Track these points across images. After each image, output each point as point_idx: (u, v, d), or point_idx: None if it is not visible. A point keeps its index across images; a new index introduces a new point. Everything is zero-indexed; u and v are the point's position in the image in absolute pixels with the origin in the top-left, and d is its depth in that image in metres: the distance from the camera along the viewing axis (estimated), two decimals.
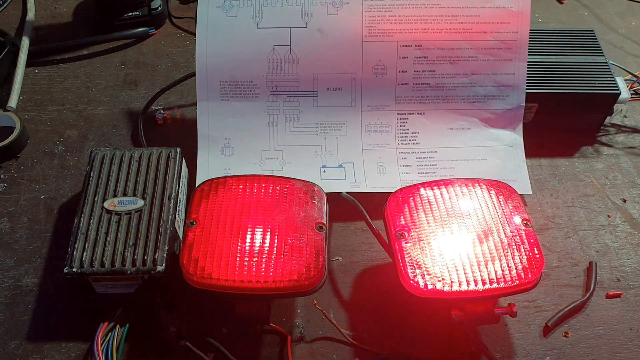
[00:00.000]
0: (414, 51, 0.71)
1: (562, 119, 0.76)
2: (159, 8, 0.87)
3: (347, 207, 0.65)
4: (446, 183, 0.61)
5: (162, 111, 0.78)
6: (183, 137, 0.73)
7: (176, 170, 0.65)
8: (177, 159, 0.66)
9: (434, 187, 0.61)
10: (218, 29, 0.70)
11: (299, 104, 0.72)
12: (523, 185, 0.70)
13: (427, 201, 0.60)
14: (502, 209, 0.59)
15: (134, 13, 0.86)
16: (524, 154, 0.72)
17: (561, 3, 0.95)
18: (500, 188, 0.61)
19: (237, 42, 0.70)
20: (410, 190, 0.61)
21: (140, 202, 0.62)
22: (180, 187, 0.65)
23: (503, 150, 0.72)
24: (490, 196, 0.60)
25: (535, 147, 0.74)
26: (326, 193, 0.61)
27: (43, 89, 0.80)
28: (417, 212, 0.59)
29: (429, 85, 0.72)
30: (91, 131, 0.75)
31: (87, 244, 0.58)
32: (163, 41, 0.87)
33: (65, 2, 0.92)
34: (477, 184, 0.61)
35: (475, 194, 0.60)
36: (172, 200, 0.62)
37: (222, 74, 0.70)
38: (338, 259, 0.65)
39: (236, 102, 0.71)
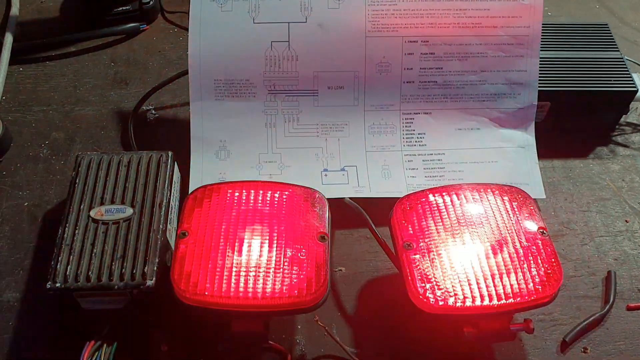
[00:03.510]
0: (420, 47, 0.67)
1: (575, 118, 0.72)
2: (151, 2, 0.83)
3: (350, 214, 0.61)
4: (456, 189, 0.57)
5: (153, 111, 0.74)
6: (176, 138, 0.68)
7: (167, 176, 0.61)
8: (169, 163, 0.62)
9: (443, 194, 0.57)
10: (212, 24, 0.66)
11: (298, 103, 0.68)
12: (536, 189, 0.66)
13: (436, 209, 0.56)
14: (517, 217, 0.55)
15: (124, 8, 0.81)
16: (536, 155, 0.68)
17: None
18: (514, 194, 0.57)
19: (233, 38, 0.66)
20: (418, 197, 0.57)
21: (129, 211, 0.58)
22: (172, 194, 0.61)
23: (514, 151, 0.68)
24: (504, 203, 0.56)
25: (547, 147, 0.70)
26: (328, 199, 0.57)
27: (28, 89, 0.76)
28: (425, 220, 0.55)
29: (436, 83, 0.68)
30: (78, 133, 0.71)
31: (71, 257, 0.54)
32: (155, 37, 0.83)
33: None
34: (489, 190, 0.57)
35: (487, 201, 0.56)
36: (163, 208, 0.58)
37: (216, 72, 0.66)
38: (341, 270, 0.61)
39: (232, 102, 0.67)
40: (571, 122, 0.73)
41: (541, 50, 0.68)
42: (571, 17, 0.88)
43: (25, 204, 0.65)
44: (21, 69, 0.78)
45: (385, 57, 0.67)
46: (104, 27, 0.81)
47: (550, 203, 0.67)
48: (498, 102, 0.69)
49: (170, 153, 0.63)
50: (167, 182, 0.60)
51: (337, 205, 0.61)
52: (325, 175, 0.66)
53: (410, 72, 0.68)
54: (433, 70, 0.68)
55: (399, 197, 0.57)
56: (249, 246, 0.52)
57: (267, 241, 0.52)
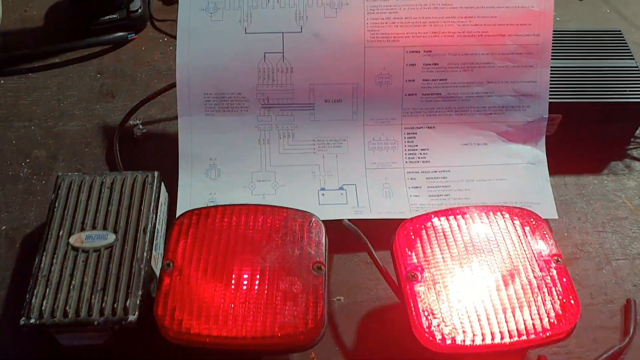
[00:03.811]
0: (422, 57, 0.63)
1: (588, 131, 0.68)
2: (139, 10, 0.79)
3: (349, 236, 0.57)
4: (463, 212, 0.53)
5: (141, 126, 0.70)
6: (165, 155, 0.64)
7: (153, 198, 0.57)
8: (155, 184, 0.58)
9: (450, 217, 0.53)
10: (201, 34, 0.62)
11: (293, 118, 0.63)
12: (548, 208, 0.62)
13: (441, 234, 0.52)
14: (529, 243, 0.51)
15: (111, 16, 0.77)
16: (547, 172, 0.64)
17: (581, 0, 0.87)
18: (525, 216, 0.53)
19: (223, 50, 0.62)
20: (422, 221, 0.52)
21: (111, 237, 0.54)
22: (158, 217, 0.57)
23: (524, 168, 0.64)
24: (515, 227, 0.52)
25: (558, 162, 0.65)
26: (325, 221, 0.53)
27: (9, 102, 0.72)
28: (430, 247, 0.51)
29: (440, 95, 0.64)
30: (61, 150, 0.67)
31: (48, 289, 0.50)
32: (144, 47, 0.79)
33: (36, 5, 0.84)
34: (498, 212, 0.53)
35: (497, 225, 0.52)
36: (148, 234, 0.54)
37: (206, 86, 0.62)
38: (339, 299, 0.57)
39: (222, 117, 0.63)
40: (583, 135, 0.68)
41: (551, 59, 0.63)
42: (581, 22, 0.83)
43: (3, 227, 0.61)
44: (2, 81, 0.74)
45: (385, 69, 0.63)
46: (90, 37, 0.77)
47: (562, 223, 0.63)
48: (506, 115, 0.64)
49: (156, 174, 0.59)
50: (152, 205, 0.56)
51: (335, 227, 0.57)
52: (323, 194, 0.62)
53: (413, 84, 0.63)
54: (437, 81, 0.64)
55: (401, 219, 0.53)
56: (239, 279, 0.48)
57: (258, 273, 0.48)
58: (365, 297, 0.57)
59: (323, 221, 0.52)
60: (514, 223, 0.52)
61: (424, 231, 0.52)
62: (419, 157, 0.64)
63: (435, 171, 0.64)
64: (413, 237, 0.51)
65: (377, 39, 0.62)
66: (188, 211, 0.53)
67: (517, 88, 0.64)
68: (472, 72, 0.63)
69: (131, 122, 0.70)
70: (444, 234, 0.51)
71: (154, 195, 0.57)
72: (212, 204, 0.60)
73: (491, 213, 0.53)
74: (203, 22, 0.62)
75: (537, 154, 0.65)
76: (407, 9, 0.62)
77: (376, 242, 0.55)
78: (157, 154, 0.67)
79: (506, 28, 0.63)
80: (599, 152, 0.69)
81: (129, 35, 0.78)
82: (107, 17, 0.77)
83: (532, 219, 0.53)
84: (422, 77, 0.63)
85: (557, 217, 0.62)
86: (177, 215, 0.57)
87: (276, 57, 0.62)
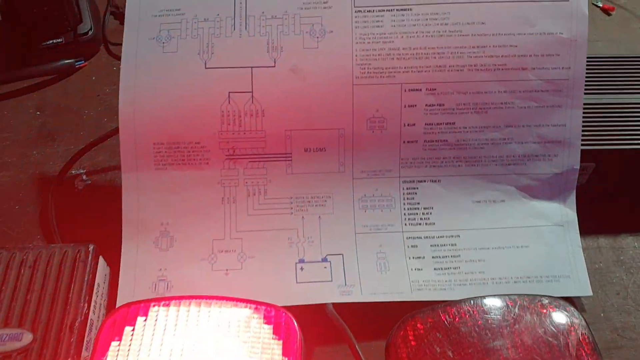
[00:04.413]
0: (425, 97, 0.51)
1: (625, 181, 0.56)
2: (90, 32, 0.67)
3: (334, 325, 0.45)
4: (479, 307, 0.41)
5: (84, 177, 0.58)
6: (112, 214, 0.52)
7: (86, 282, 0.45)
8: (89, 262, 0.46)
9: (462, 311, 0.41)
10: (151, 69, 0.50)
11: (266, 171, 0.51)
12: (580, 282, 0.50)
13: (450, 337, 0.39)
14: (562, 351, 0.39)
15: (55, 40, 0.65)
16: (578, 235, 0.52)
17: (608, 15, 0.74)
18: (562, 310, 0.41)
19: (178, 88, 0.50)
20: (426, 320, 0.40)
21: (28, 337, 0.42)
22: (92, 306, 0.45)
23: (550, 231, 0.52)
24: (545, 326, 0.40)
25: (590, 220, 0.53)
26: (304, 306, 0.41)
27: None
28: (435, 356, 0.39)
29: (447, 142, 0.52)
30: None
31: None
32: (94, 76, 0.67)
33: None
34: (525, 302, 0.41)
35: (525, 324, 0.40)
36: (76, 332, 0.42)
37: (156, 134, 0.50)
38: None
39: (177, 171, 0.51)
40: (619, 186, 0.57)
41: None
42: (611, 43, 0.71)
43: None
44: None
45: (379, 110, 0.51)
46: (29, 66, 0.65)
47: (597, 300, 0.51)
48: (528, 167, 0.52)
49: (91, 247, 0.47)
50: (84, 291, 0.45)
51: (316, 312, 0.45)
52: (301, 268, 0.50)
53: (413, 128, 0.51)
54: (442, 126, 0.52)
55: (400, 301, 0.42)
56: None
57: None
58: None
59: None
60: (544, 320, 0.40)
61: (428, 335, 0.40)
62: (421, 218, 0.52)
63: (442, 236, 0.52)
64: (414, 344, 0.39)
65: (368, 75, 0.50)
66: (123, 306, 0.41)
67: (541, 133, 0.52)
68: (486, 115, 0.51)
69: (73, 172, 0.58)
70: (458, 337, 0.39)
71: (86, 277, 0.46)
72: (162, 283, 0.48)
73: (518, 303, 0.41)
74: (153, 53, 0.50)
75: (566, 213, 0.53)
76: (406, 37, 0.50)
77: (368, 332, 0.43)
78: (104, 213, 0.55)
79: (528, 60, 0.50)
80: (639, 207, 0.57)
81: (77, 63, 0.66)
82: (50, 41, 0.65)
83: (568, 316, 0.40)
84: (424, 120, 0.51)
85: (590, 293, 0.50)
86: (117, 303, 0.45)
87: (244, 98, 0.50)
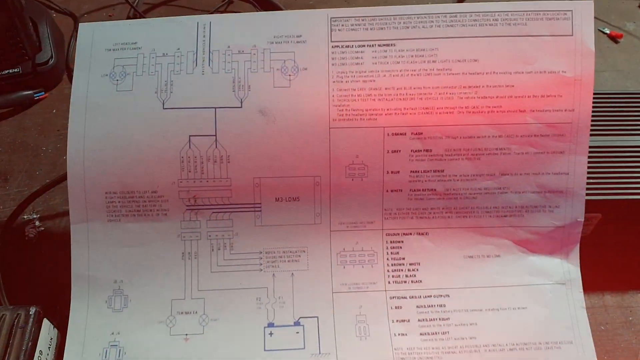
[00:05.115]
0: (410, 142, 0.45)
1: (633, 232, 0.51)
2: (50, 61, 0.61)
3: None
4: None
5: (37, 222, 0.53)
6: (66, 265, 0.46)
7: (24, 351, 0.40)
8: (28, 328, 0.41)
9: None
10: (103, 109, 0.45)
11: (232, 223, 0.46)
12: (584, 349, 0.45)
13: None
14: None
15: (11, 71, 0.60)
16: (582, 295, 0.46)
17: (616, 42, 0.69)
18: None
19: (133, 131, 0.45)
20: None
21: None
22: None
23: (551, 290, 0.47)
24: None
25: (593, 274, 0.48)
26: None
27: None
28: None
29: (435, 191, 0.46)
30: None
31: None
32: (55, 109, 0.61)
33: None
34: None
35: None
36: None
37: (108, 182, 0.45)
38: None
39: (132, 223, 0.45)
40: (627, 237, 0.51)
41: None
42: (619, 73, 0.66)
43: None
44: None
45: (359, 156, 0.45)
46: None
47: None
48: (526, 219, 0.47)
49: (33, 310, 0.42)
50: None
51: None
52: (270, 334, 0.44)
53: (397, 176, 0.46)
54: (430, 173, 0.46)
55: None
56: None
57: None
58: None
59: None
60: None
61: None
62: (406, 276, 0.47)
63: (430, 296, 0.46)
64: None
65: (346, 117, 0.45)
66: None
67: (542, 182, 0.46)
68: (478, 162, 0.46)
69: (25, 217, 0.53)
70: None
71: (26, 344, 0.40)
72: (113, 349, 0.43)
73: None
74: (106, 92, 0.45)
75: (568, 269, 0.47)
76: (389, 76, 0.44)
77: None
78: (57, 264, 0.50)
79: (527, 101, 0.45)
80: None
81: (37, 95, 0.61)
82: (7, 71, 0.60)
83: None
84: (409, 167, 0.46)
85: None
86: None
87: (206, 142, 0.45)
